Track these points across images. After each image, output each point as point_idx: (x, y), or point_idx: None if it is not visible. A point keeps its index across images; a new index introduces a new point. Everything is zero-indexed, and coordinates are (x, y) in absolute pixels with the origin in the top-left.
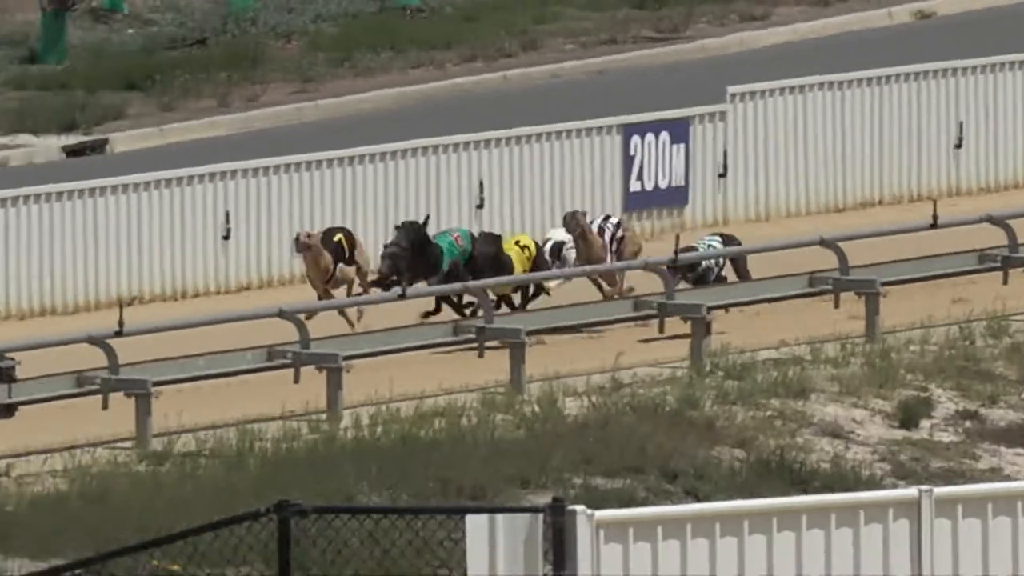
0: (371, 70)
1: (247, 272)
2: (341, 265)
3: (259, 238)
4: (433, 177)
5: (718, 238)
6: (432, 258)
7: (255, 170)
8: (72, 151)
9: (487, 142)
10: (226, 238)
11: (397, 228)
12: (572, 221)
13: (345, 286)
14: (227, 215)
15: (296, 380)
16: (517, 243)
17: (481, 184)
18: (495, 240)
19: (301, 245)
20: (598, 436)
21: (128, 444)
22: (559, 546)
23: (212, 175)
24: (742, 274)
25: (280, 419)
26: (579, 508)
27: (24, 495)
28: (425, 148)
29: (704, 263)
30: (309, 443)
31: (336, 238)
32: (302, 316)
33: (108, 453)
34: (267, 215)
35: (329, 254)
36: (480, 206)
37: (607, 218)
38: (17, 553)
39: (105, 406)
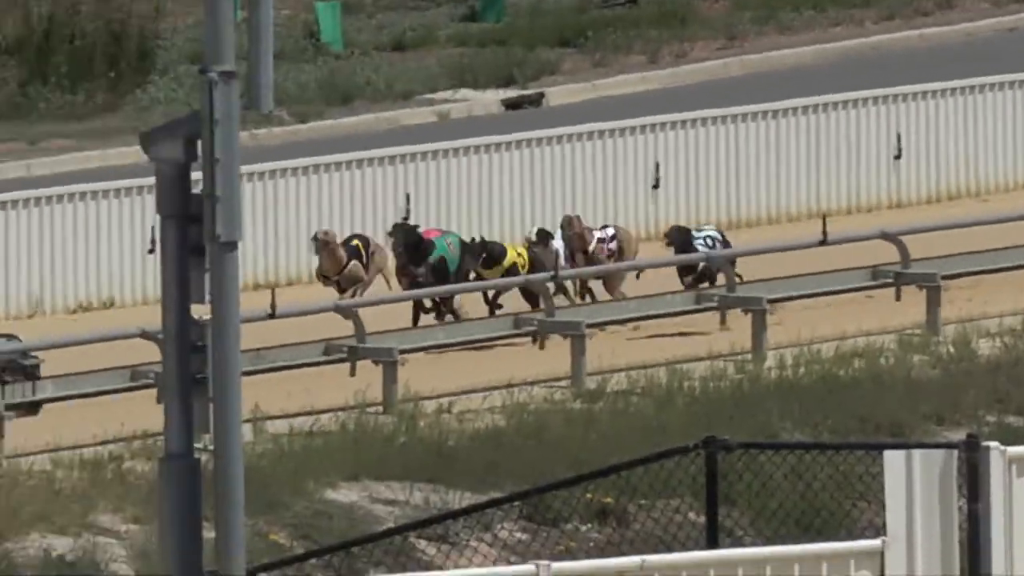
0: (793, 28)
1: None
2: (354, 262)
3: (687, 187)
4: (852, 129)
5: (715, 231)
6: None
7: (683, 122)
8: (510, 104)
9: (904, 96)
10: (655, 187)
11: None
12: (568, 227)
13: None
14: (656, 166)
15: (722, 322)
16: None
17: (899, 137)
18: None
19: (319, 243)
20: (1011, 375)
21: (563, 383)
22: (973, 480)
23: (642, 127)
24: None
25: (707, 359)
26: (992, 444)
27: (464, 431)
28: (845, 102)
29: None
30: (734, 382)
31: (353, 243)
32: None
33: (544, 391)
34: (695, 165)
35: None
36: (898, 156)
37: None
38: (458, 485)
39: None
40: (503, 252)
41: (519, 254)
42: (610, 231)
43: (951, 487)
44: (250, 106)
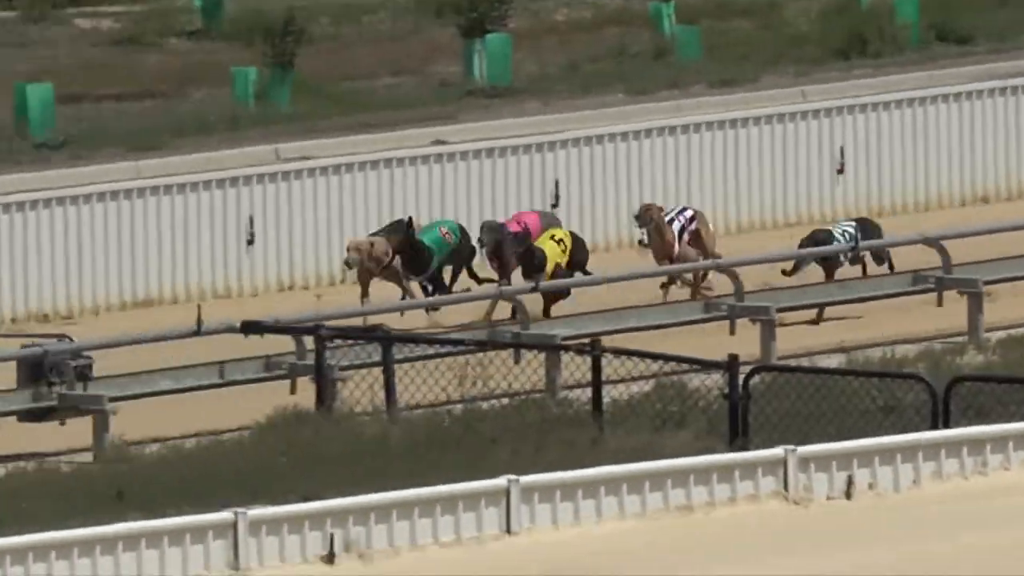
0: None
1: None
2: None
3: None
4: None
5: (853, 224)
6: (422, 257)
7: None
8: None
9: None
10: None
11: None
12: (646, 214)
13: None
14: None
15: None
16: (552, 237)
17: None
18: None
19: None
20: None
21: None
22: None
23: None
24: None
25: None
26: None
27: None
28: None
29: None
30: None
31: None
32: None
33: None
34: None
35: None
36: None
37: (683, 210)
38: None
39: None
40: (543, 259)
41: (560, 243)
42: (688, 213)
43: None
44: None
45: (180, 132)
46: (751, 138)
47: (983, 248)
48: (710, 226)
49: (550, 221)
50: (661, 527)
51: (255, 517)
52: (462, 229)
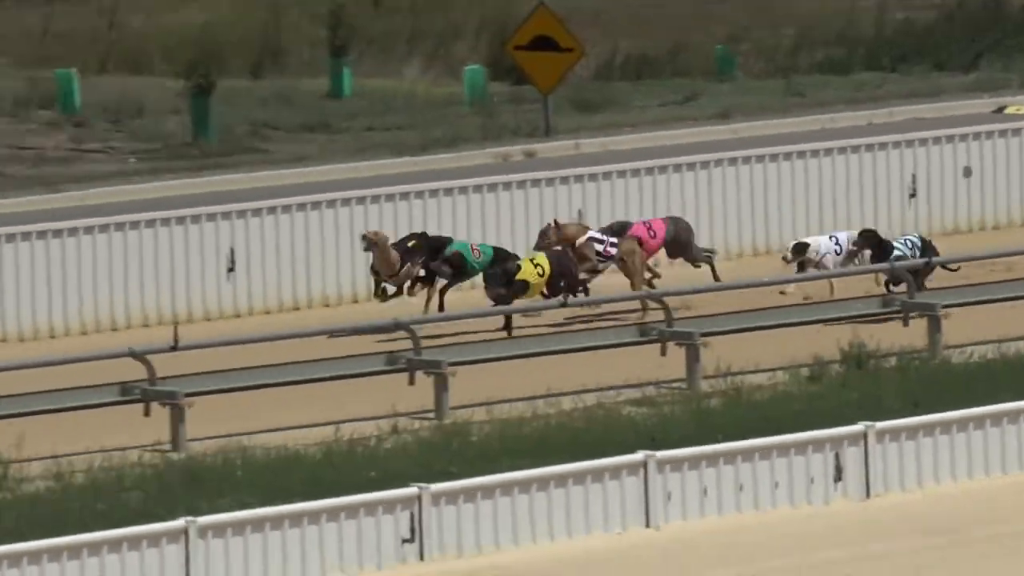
0: None
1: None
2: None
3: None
4: None
5: (915, 236)
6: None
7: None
8: None
9: None
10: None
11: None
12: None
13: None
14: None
15: None
16: (531, 260)
17: None
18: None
19: (368, 242)
20: None
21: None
22: None
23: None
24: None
25: None
26: None
27: None
28: None
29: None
30: None
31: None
32: None
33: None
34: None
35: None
36: None
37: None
38: None
39: None
40: (523, 284)
41: (538, 267)
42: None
43: None
44: None
45: None
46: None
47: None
48: (638, 254)
49: (679, 227)
50: None
51: None
52: (496, 252)
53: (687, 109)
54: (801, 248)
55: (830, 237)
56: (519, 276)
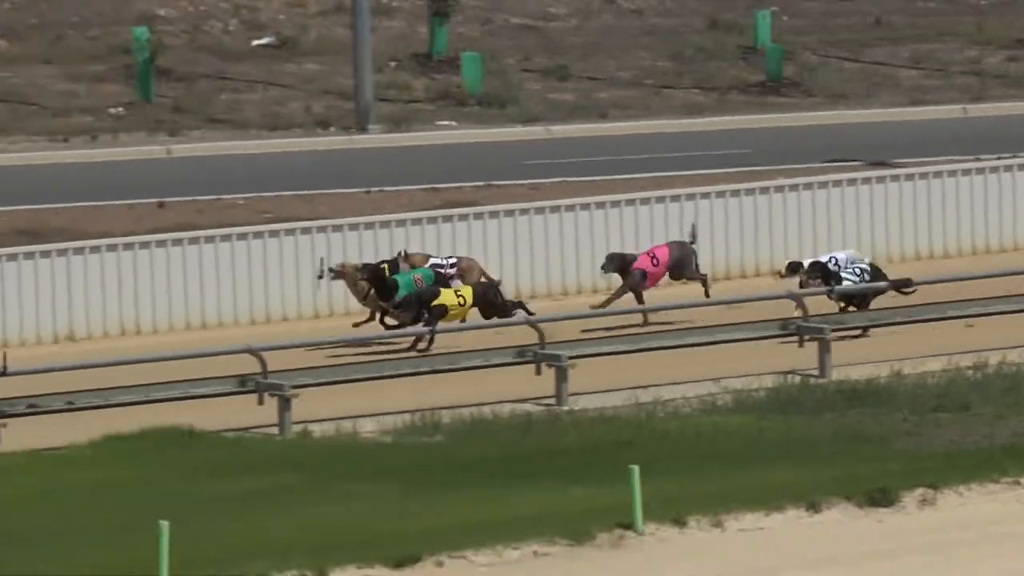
0: None
1: None
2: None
3: None
4: None
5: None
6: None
7: None
8: None
9: None
10: None
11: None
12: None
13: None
14: None
15: None
16: (456, 292)
17: None
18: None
19: (336, 273)
20: None
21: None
22: None
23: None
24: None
25: None
26: None
27: None
28: None
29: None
30: None
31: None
32: None
33: None
34: None
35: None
36: None
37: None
38: None
39: None
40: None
41: (460, 296)
42: (452, 260)
43: None
44: None
45: None
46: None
47: None
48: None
49: (682, 252)
50: None
51: None
52: (437, 277)
53: None
54: (795, 267)
55: (829, 259)
56: (437, 301)
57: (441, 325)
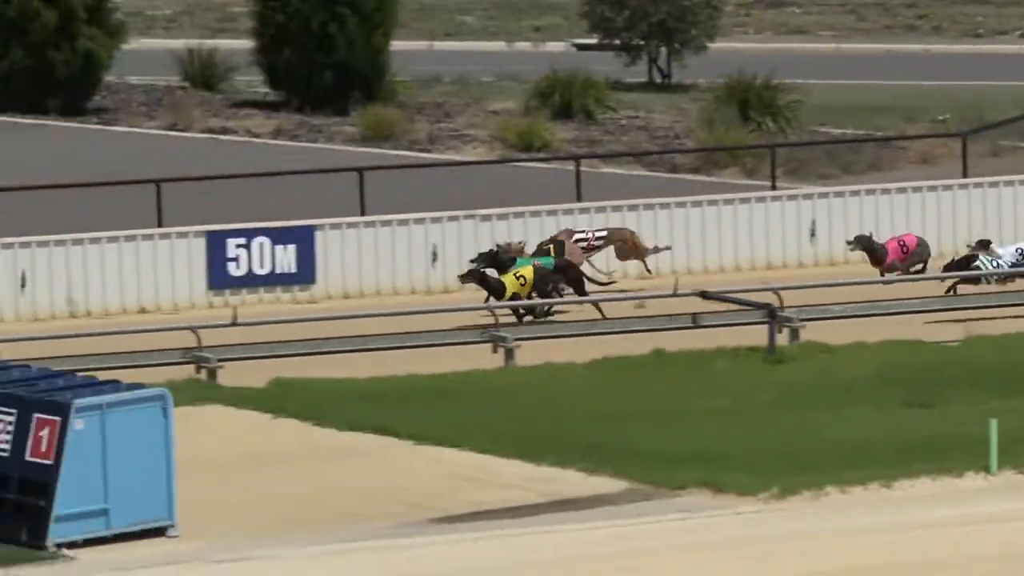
0: None
1: None
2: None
3: None
4: None
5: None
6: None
7: None
8: None
9: None
10: None
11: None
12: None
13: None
14: None
15: None
16: (515, 274)
17: None
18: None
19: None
20: None
21: None
22: None
23: None
24: None
25: None
26: None
27: None
28: None
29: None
30: None
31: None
32: None
33: None
34: None
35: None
36: None
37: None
38: None
39: None
40: (501, 287)
41: (520, 278)
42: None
43: None
44: None
45: None
46: None
47: None
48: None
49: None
50: None
51: None
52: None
53: None
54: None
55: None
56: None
57: None
